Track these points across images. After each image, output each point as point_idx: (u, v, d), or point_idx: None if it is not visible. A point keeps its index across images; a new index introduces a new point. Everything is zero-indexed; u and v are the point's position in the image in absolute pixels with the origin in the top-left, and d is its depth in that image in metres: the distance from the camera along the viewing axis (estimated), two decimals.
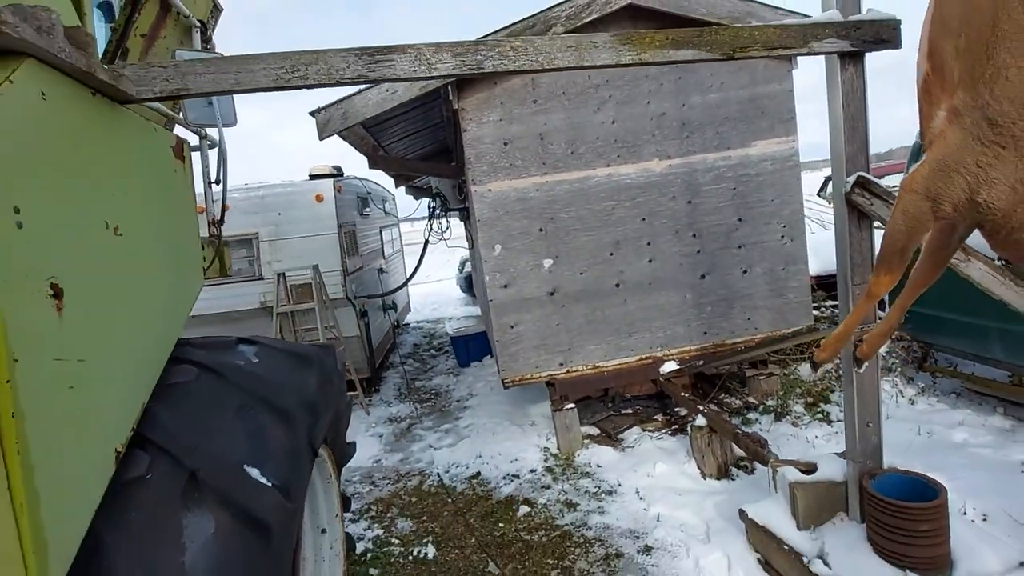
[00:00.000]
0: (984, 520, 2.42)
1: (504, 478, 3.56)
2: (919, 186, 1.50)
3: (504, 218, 3.67)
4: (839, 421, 3.61)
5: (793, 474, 2.16)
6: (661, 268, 3.89)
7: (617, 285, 3.84)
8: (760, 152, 3.89)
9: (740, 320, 4.00)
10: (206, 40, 2.37)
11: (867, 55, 1.88)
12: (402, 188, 7.85)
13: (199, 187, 2.02)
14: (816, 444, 3.33)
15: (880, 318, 1.95)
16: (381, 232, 7.49)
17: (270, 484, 1.47)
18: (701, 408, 3.30)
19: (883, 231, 1.63)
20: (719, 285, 3.94)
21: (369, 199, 6.64)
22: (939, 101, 1.46)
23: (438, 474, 3.75)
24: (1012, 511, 2.41)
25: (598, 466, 3.51)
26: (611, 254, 3.82)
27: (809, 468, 2.17)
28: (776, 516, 2.21)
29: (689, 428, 3.30)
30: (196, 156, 2.14)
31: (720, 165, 3.87)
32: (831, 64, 1.89)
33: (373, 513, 3.36)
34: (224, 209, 2.37)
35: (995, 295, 1.85)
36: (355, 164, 9.00)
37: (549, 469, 3.59)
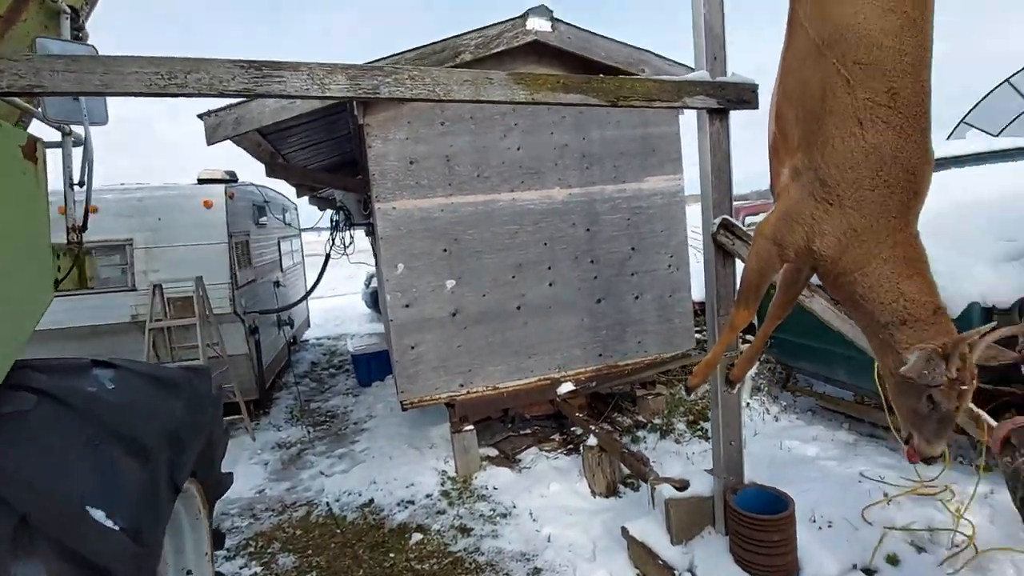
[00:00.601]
0: (829, 526, 2.73)
1: (399, 504, 3.47)
2: (768, 233, 1.70)
3: (407, 237, 3.64)
4: None
5: (669, 491, 2.32)
6: (561, 292, 4.04)
7: (518, 307, 3.93)
8: (651, 187, 4.21)
9: (632, 343, 4.25)
10: (78, 29, 2.14)
11: (732, 112, 2.11)
12: (306, 198, 7.52)
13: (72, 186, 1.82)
14: (695, 460, 3.59)
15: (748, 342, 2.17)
16: (279, 243, 7.10)
17: (117, 527, 1.32)
18: (593, 428, 3.44)
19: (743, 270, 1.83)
20: (614, 310, 4.17)
21: (267, 208, 6.28)
22: (784, 160, 1.68)
23: (327, 503, 3.57)
24: (850, 517, 2.74)
25: (495, 488, 3.53)
26: (513, 277, 3.91)
27: (683, 485, 2.34)
28: (653, 532, 2.35)
29: (581, 448, 3.43)
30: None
31: (616, 196, 4.12)
32: (701, 118, 2.10)
33: (252, 549, 3.12)
34: (88, 212, 2.13)
35: (833, 327, 2.12)
36: (254, 169, 8.47)
37: (446, 493, 3.55)
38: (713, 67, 2.06)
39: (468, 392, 3.85)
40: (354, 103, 3.45)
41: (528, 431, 4.26)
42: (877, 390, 3.09)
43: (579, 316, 4.08)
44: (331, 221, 5.77)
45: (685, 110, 2.51)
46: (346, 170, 5.86)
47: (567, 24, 3.77)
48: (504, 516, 3.21)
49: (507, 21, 3.64)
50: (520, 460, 3.90)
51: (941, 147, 3.44)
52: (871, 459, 3.32)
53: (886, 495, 2.81)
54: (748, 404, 4.28)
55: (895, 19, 1.40)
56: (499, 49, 3.61)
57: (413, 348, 3.70)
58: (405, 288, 3.65)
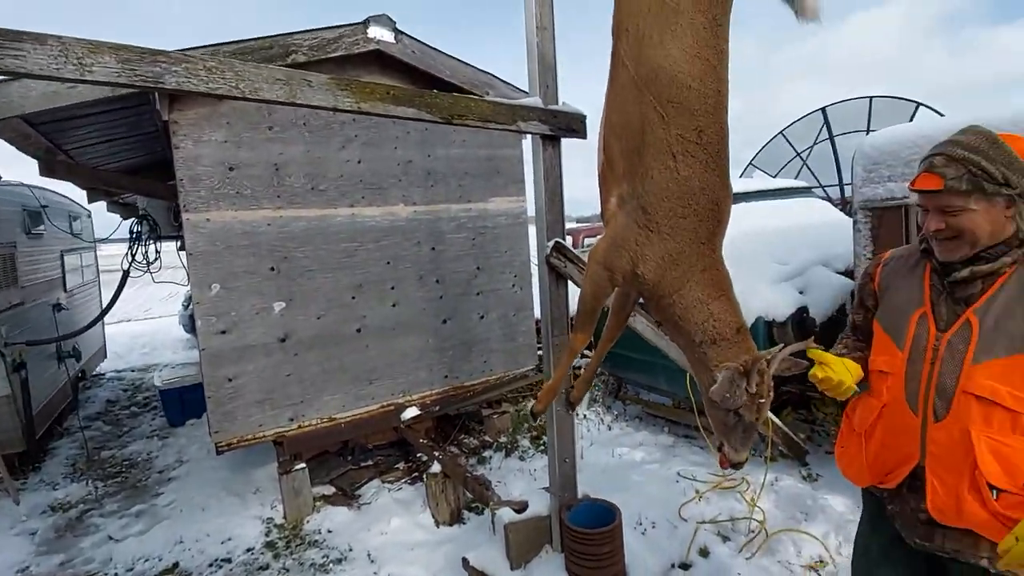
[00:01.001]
0: (653, 527, 2.94)
1: (211, 566, 2.97)
2: (599, 258, 1.76)
3: (225, 253, 3.19)
4: None
5: (508, 515, 2.29)
6: (405, 313, 3.88)
7: (358, 330, 3.68)
8: (496, 207, 4.28)
9: (478, 363, 4.24)
10: None
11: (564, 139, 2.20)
12: (104, 203, 6.31)
13: None
14: (537, 476, 3.66)
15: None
16: (63, 257, 5.83)
17: None
18: (437, 454, 3.32)
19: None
20: (460, 330, 4.12)
21: (44, 214, 5.13)
22: (611, 188, 1.75)
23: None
24: (670, 517, 2.99)
25: (329, 531, 3.20)
26: (353, 297, 3.65)
27: (522, 507, 2.33)
28: (493, 559, 2.30)
29: (425, 476, 3.28)
30: None
31: (462, 216, 4.11)
32: (536, 143, 2.15)
33: None
34: None
35: (651, 342, 2.30)
36: (30, 166, 6.89)
37: (271, 544, 3.13)
38: (546, 95, 2.13)
39: (300, 426, 3.47)
40: (156, 95, 2.96)
41: (370, 463, 3.99)
42: (690, 396, 3.46)
43: (424, 337, 3.96)
44: (130, 232, 4.89)
45: (526, 135, 2.56)
46: (156, 172, 5.04)
47: (412, 38, 3.70)
48: (339, 562, 2.91)
49: (347, 25, 3.45)
50: (360, 496, 3.60)
51: (735, 183, 4.03)
52: (686, 459, 3.69)
53: (697, 492, 3.13)
54: (585, 416, 4.52)
55: (700, 64, 1.55)
56: (337, 54, 3.39)
57: (231, 380, 3.24)
58: (222, 312, 3.19)
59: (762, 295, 3.30)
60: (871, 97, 7.49)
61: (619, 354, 4.33)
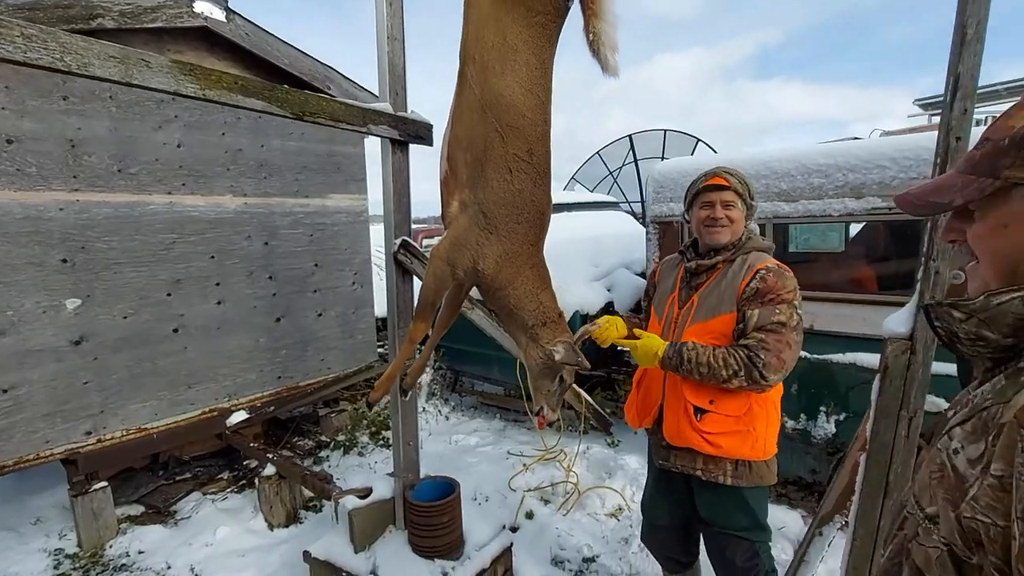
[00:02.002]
0: (487, 500, 3.26)
1: None
2: (443, 255, 1.97)
3: (1, 241, 2.68)
4: None
5: (352, 502, 2.37)
6: (232, 311, 3.63)
7: (175, 330, 3.35)
8: (336, 204, 4.24)
9: (315, 361, 4.14)
10: None
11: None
12: None
13: None
14: (377, 468, 3.74)
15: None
16: None
17: None
18: (271, 456, 3.21)
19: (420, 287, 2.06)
20: (295, 328, 3.99)
21: None
22: (454, 193, 1.98)
23: None
24: (501, 489, 3.34)
25: (140, 553, 2.88)
26: (169, 294, 3.32)
27: (365, 493, 2.43)
28: (338, 547, 2.35)
29: (256, 481, 3.14)
30: None
31: (298, 211, 3.99)
32: (385, 146, 2.29)
33: None
34: None
35: (488, 333, 2.58)
36: None
37: None
38: (395, 102, 2.28)
39: (99, 440, 3.05)
40: None
41: (187, 475, 3.64)
42: (519, 383, 3.87)
43: (254, 337, 3.76)
44: None
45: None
46: None
47: (246, 19, 3.50)
48: None
49: None
50: (176, 512, 3.29)
51: (558, 195, 4.59)
52: (515, 439, 4.11)
53: (525, 465, 3.54)
54: (424, 408, 4.71)
55: (532, 98, 1.87)
56: (155, 25, 3.07)
57: (7, 392, 2.72)
58: None
59: (578, 292, 3.86)
60: (665, 130, 8.98)
61: (456, 348, 4.62)
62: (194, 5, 3.19)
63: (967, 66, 1.12)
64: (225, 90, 1.67)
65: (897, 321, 1.25)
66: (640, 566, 2.64)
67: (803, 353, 2.76)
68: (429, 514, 2.27)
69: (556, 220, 4.29)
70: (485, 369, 4.53)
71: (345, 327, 4.34)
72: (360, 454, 4.01)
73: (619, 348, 2.08)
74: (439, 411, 4.73)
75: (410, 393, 2.33)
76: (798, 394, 2.85)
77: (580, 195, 4.71)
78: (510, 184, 1.88)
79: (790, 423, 2.86)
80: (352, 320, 4.38)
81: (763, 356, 1.60)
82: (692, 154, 8.18)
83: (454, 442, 4.12)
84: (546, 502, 3.24)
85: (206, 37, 3.39)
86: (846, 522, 1.99)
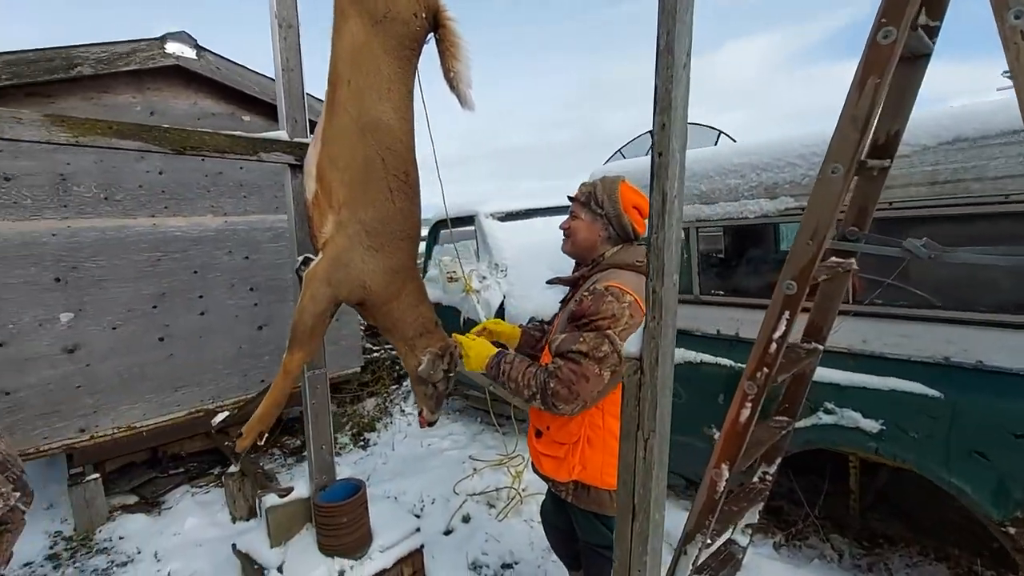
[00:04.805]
0: (432, 503, 3.36)
1: None
2: (323, 276, 2.06)
3: (0, 264, 3.12)
4: (375, 444, 4.38)
5: (272, 499, 2.56)
6: (216, 321, 3.97)
7: (161, 339, 3.72)
8: None
9: None
10: None
11: None
12: None
13: None
14: (351, 470, 3.93)
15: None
16: None
17: None
18: (238, 453, 3.49)
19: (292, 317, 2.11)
20: (277, 335, 4.28)
21: None
22: (327, 213, 2.08)
23: None
24: (446, 492, 3.42)
25: (121, 538, 3.25)
26: (155, 307, 3.69)
27: (286, 492, 2.61)
28: (258, 541, 2.55)
29: (223, 477, 3.44)
30: None
31: (279, 226, 4.28)
32: (285, 170, 2.45)
33: None
34: None
35: None
36: None
37: (53, 556, 3.11)
38: (294, 128, 2.44)
39: (92, 437, 3.45)
40: None
41: (180, 470, 4.02)
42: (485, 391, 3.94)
43: (237, 344, 4.08)
44: None
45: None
46: None
47: (216, 54, 3.82)
48: (123, 565, 2.99)
49: (141, 40, 3.50)
50: (164, 502, 3.66)
51: (519, 202, 4.60)
52: (485, 443, 4.19)
53: (475, 469, 3.61)
54: (406, 411, 4.89)
55: (406, 124, 1.97)
56: (130, 68, 3.43)
57: (8, 395, 3.16)
58: None
59: (535, 299, 3.87)
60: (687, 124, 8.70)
61: None
62: (166, 46, 3.52)
63: (662, 79, 1.08)
64: (99, 135, 1.88)
65: (632, 342, 1.22)
66: (556, 574, 2.64)
67: (727, 361, 2.67)
68: (331, 514, 2.40)
69: (515, 228, 4.33)
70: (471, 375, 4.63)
71: (328, 334, 4.51)
72: (338, 454, 4.24)
73: None
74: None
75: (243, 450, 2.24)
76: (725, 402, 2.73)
77: (545, 199, 4.69)
78: (392, 203, 1.97)
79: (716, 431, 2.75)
80: (335, 327, 4.61)
81: (552, 384, 1.57)
82: (715, 145, 7.87)
83: (426, 445, 4.26)
84: (491, 506, 3.29)
85: (182, 74, 3.73)
86: (707, 540, 1.92)
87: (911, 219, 2.02)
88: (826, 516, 2.87)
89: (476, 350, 1.83)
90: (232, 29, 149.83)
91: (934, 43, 1.53)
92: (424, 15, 1.88)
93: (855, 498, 2.76)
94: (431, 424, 2.16)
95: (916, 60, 1.56)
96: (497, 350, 1.82)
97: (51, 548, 3.19)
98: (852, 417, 2.25)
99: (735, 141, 7.67)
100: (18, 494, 1.39)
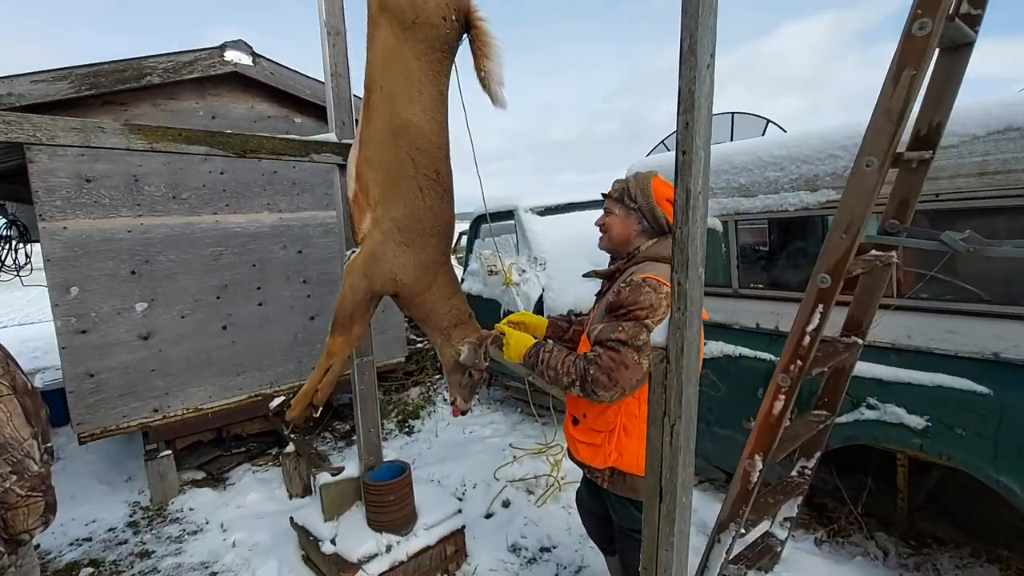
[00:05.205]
0: (474, 488, 3.50)
1: (71, 545, 3.24)
2: (360, 269, 2.22)
3: (83, 258, 3.44)
4: (419, 431, 4.56)
5: (325, 477, 2.74)
6: (273, 311, 4.23)
7: (225, 327, 4.01)
8: None
9: None
10: None
11: None
12: None
13: None
14: (397, 454, 4.13)
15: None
16: None
17: None
18: (292, 436, 3.73)
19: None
20: (328, 325, 4.50)
21: None
22: (365, 211, 2.23)
23: None
24: (487, 478, 3.55)
25: (191, 509, 3.54)
26: (218, 297, 3.98)
27: (338, 471, 2.79)
28: (313, 515, 2.75)
29: (280, 457, 3.68)
30: None
31: (329, 222, 4.50)
32: (334, 170, 2.61)
33: None
34: None
35: None
36: None
37: (133, 523, 3.43)
38: (341, 130, 2.59)
39: (164, 417, 3.77)
40: None
41: (242, 450, 4.33)
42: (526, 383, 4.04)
43: (292, 333, 4.33)
44: None
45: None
46: (22, 178, 5.07)
47: (270, 60, 4.04)
48: (194, 533, 3.28)
49: (204, 50, 3.75)
50: (228, 479, 3.95)
51: (557, 197, 4.65)
52: (524, 433, 4.29)
53: (515, 457, 3.72)
54: (449, 400, 5.04)
55: (436, 125, 2.07)
56: (193, 76, 3.69)
57: (92, 376, 3.50)
58: (81, 313, 3.44)
59: (573, 292, 3.92)
60: (732, 113, 8.46)
61: None
62: (225, 55, 3.77)
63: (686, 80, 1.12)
64: (170, 141, 2.08)
65: (659, 332, 1.27)
66: (592, 560, 2.72)
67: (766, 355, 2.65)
68: (379, 492, 2.56)
69: (554, 222, 4.39)
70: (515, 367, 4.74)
71: (374, 324, 4.75)
72: (384, 439, 4.44)
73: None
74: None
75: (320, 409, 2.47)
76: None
77: (584, 194, 4.70)
78: (422, 201, 2.09)
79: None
80: (380, 318, 4.82)
81: (592, 371, 1.62)
82: (763, 135, 7.65)
83: (467, 433, 4.40)
84: (530, 493, 3.40)
85: (240, 80, 3.98)
86: (741, 530, 1.95)
87: (959, 211, 1.96)
88: (871, 514, 2.81)
89: (516, 339, 1.91)
90: (286, 32, 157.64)
91: (977, 31, 1.49)
92: (454, 17, 1.95)
93: (903, 497, 2.70)
94: (463, 413, 2.25)
95: (958, 50, 1.52)
96: (536, 340, 1.89)
97: (131, 516, 3.52)
98: (896, 413, 2.21)
99: (784, 131, 7.43)
100: (15, 477, 1.47)
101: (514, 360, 1.92)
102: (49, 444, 1.76)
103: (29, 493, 1.51)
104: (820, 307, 1.59)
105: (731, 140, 8.23)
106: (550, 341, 1.89)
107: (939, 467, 2.49)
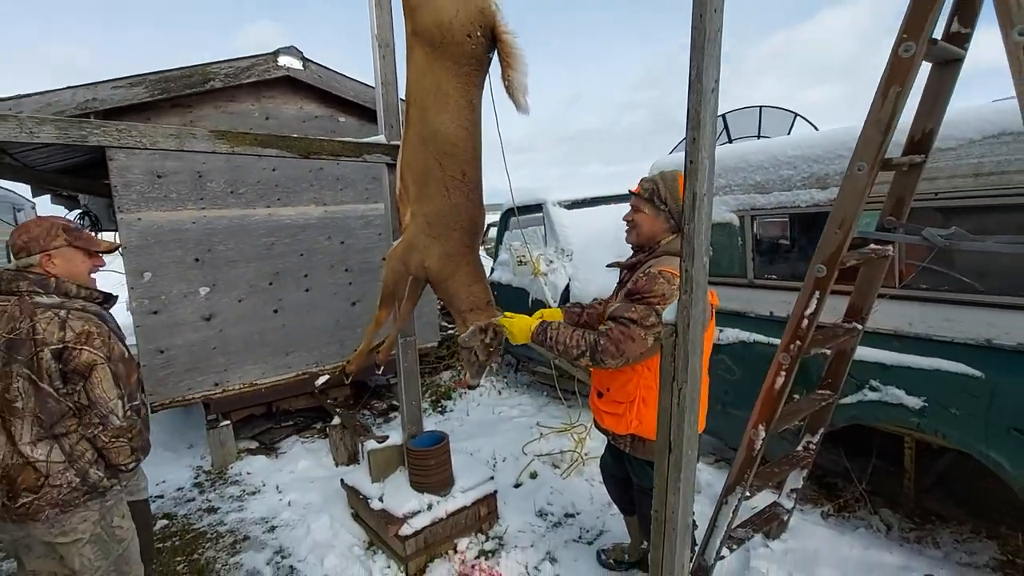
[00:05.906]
0: (504, 461, 3.79)
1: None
2: (397, 255, 2.50)
3: (155, 247, 3.83)
4: (451, 411, 4.87)
5: (372, 444, 3.07)
6: (318, 297, 4.59)
7: (276, 311, 4.38)
8: None
9: None
10: None
11: None
12: (47, 196, 6.72)
13: None
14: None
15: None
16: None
17: None
18: (338, 410, 4.08)
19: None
20: (368, 310, 4.84)
21: None
22: (406, 206, 2.50)
23: None
24: (516, 453, 3.83)
25: (248, 474, 3.93)
26: (271, 283, 4.34)
27: (383, 439, 3.11)
28: (361, 478, 3.07)
29: (328, 429, 4.04)
30: None
31: (370, 214, 4.82)
32: (383, 168, 2.90)
33: None
34: None
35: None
36: None
37: (198, 484, 3.84)
38: (390, 133, 2.87)
39: (224, 390, 4.17)
40: (91, 118, 3.55)
41: (291, 423, 4.71)
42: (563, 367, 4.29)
43: (335, 317, 4.68)
44: None
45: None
46: (95, 171, 5.54)
47: (319, 65, 4.36)
48: (252, 494, 3.65)
49: (259, 56, 4.08)
50: (279, 448, 4.34)
51: (582, 191, 4.86)
52: (550, 414, 4.55)
53: (541, 434, 3.99)
54: (480, 384, 5.34)
55: (463, 132, 2.31)
56: (250, 80, 4.03)
57: (162, 352, 3.90)
58: (153, 295, 3.84)
59: (598, 282, 4.15)
60: (760, 107, 8.47)
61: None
62: (278, 60, 4.09)
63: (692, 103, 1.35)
64: (248, 145, 2.39)
65: (670, 311, 1.51)
66: (612, 525, 2.98)
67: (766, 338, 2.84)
68: (422, 457, 2.87)
69: (580, 216, 4.63)
70: (535, 352, 5.01)
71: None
72: None
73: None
74: (493, 385, 5.33)
75: (380, 365, 2.87)
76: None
77: (608, 187, 4.91)
78: (447, 200, 2.35)
79: None
80: (418, 304, 5.13)
81: (603, 342, 1.88)
82: (789, 132, 7.68)
83: (496, 413, 4.69)
84: (555, 467, 3.67)
85: (291, 83, 4.30)
86: (747, 493, 2.18)
87: (956, 209, 2.13)
88: (878, 493, 2.99)
89: (517, 325, 2.16)
90: (330, 33, 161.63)
91: (966, 49, 1.68)
92: (479, 34, 2.15)
93: (909, 478, 2.87)
94: (471, 387, 2.52)
95: (948, 65, 1.71)
96: (539, 320, 2.15)
97: (195, 478, 3.92)
98: (896, 394, 2.39)
99: (814, 125, 7.47)
100: (101, 427, 1.78)
101: (521, 341, 2.16)
102: (135, 403, 2.06)
103: (112, 439, 1.84)
104: (817, 294, 1.80)
105: (759, 134, 8.28)
106: (556, 321, 2.12)
107: (950, 451, 2.65)
